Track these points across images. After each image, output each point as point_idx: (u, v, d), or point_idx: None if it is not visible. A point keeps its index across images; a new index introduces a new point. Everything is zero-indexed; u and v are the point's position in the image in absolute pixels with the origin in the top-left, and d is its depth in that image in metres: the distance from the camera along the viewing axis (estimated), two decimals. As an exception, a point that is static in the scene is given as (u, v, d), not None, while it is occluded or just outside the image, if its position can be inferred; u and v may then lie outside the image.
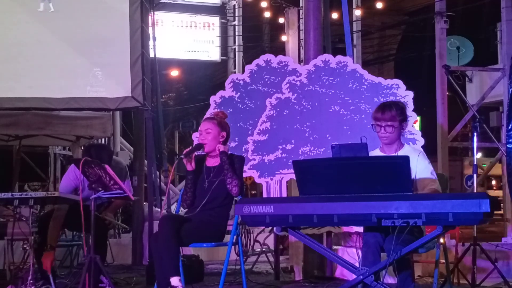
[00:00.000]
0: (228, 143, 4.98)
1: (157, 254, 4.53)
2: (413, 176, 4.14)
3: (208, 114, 6.74)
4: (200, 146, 4.82)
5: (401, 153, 4.40)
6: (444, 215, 3.52)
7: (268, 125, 6.79)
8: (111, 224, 5.56)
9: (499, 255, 6.79)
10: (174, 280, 4.39)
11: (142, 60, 8.35)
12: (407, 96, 6.51)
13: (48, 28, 8.25)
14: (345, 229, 6.38)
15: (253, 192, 17.89)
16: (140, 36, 8.37)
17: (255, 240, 8.38)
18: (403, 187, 3.67)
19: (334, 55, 6.89)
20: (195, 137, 6.70)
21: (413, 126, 6.54)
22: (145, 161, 9.81)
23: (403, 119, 4.45)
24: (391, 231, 3.69)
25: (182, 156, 4.75)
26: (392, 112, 4.41)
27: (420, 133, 6.50)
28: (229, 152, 4.90)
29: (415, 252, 4.24)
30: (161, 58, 11.91)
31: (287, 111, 6.79)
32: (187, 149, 4.82)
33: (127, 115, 12.22)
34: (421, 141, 6.40)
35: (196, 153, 4.83)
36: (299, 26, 11.25)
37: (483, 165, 15.22)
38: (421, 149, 4.58)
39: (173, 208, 8.43)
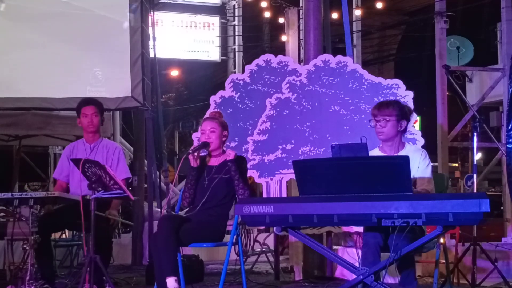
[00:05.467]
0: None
1: (156, 254, 4.54)
2: (413, 175, 4.14)
3: (207, 114, 6.75)
4: (206, 144, 4.84)
5: (402, 152, 4.40)
6: (444, 215, 3.52)
7: (268, 125, 6.79)
8: (115, 222, 5.55)
9: (499, 255, 6.80)
10: (170, 281, 4.39)
11: (142, 60, 8.36)
12: (407, 96, 6.51)
13: (48, 28, 8.26)
14: (345, 229, 6.38)
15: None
16: (140, 36, 8.38)
17: (255, 240, 8.38)
18: (403, 187, 3.67)
19: (334, 55, 6.89)
20: (195, 137, 6.71)
21: (413, 126, 6.54)
22: (145, 161, 9.81)
23: (401, 117, 4.42)
24: (391, 231, 3.69)
25: (190, 152, 4.78)
26: (390, 108, 4.42)
27: (420, 133, 6.50)
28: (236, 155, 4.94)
29: (419, 252, 4.24)
30: (161, 58, 11.91)
31: (287, 111, 6.79)
32: (195, 146, 4.88)
33: (127, 115, 12.22)
34: (421, 141, 6.40)
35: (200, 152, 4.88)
36: (299, 26, 11.25)
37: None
38: (423, 149, 4.57)
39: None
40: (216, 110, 6.59)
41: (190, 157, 4.79)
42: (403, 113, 4.45)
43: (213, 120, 4.92)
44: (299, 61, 10.33)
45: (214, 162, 4.91)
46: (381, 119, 4.39)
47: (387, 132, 4.41)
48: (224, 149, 4.97)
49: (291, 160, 6.09)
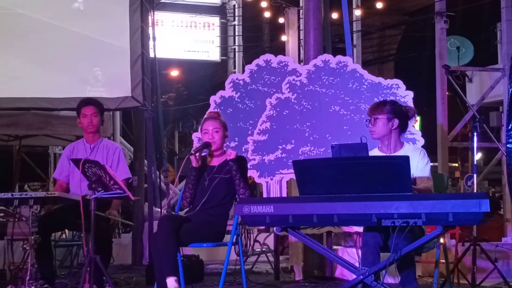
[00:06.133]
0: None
1: (156, 254, 4.54)
2: (412, 173, 4.15)
3: (207, 114, 6.75)
4: (208, 144, 4.84)
5: (401, 152, 4.41)
6: (444, 215, 3.52)
7: (268, 125, 6.79)
8: (115, 223, 5.55)
9: (499, 255, 6.79)
10: (170, 281, 4.39)
11: (142, 60, 8.36)
12: (407, 96, 6.52)
13: (48, 28, 8.26)
14: (345, 229, 6.38)
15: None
16: (140, 36, 8.38)
17: (255, 240, 8.38)
18: (403, 187, 3.67)
19: (334, 55, 6.89)
20: (196, 137, 6.71)
21: (413, 126, 6.54)
22: (145, 161, 9.81)
23: (393, 116, 4.42)
24: (391, 231, 3.69)
25: (193, 152, 4.77)
26: (380, 107, 4.46)
27: (420, 133, 6.51)
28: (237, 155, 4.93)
29: (418, 252, 4.24)
30: (161, 58, 11.90)
31: (287, 111, 6.79)
32: (197, 146, 4.87)
33: (127, 115, 12.21)
34: (421, 141, 6.41)
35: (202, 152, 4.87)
36: (299, 26, 11.25)
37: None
38: (422, 148, 4.59)
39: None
40: (216, 110, 6.59)
41: (192, 157, 4.79)
42: (395, 113, 4.45)
43: (216, 120, 4.92)
44: (299, 61, 10.32)
45: (215, 162, 4.91)
46: (371, 118, 4.44)
47: (378, 131, 4.44)
48: (225, 149, 4.98)
49: (291, 160, 6.09)
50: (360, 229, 5.70)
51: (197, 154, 4.80)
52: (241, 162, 4.84)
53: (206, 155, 4.94)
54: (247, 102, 6.88)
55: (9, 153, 12.38)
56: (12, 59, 8.19)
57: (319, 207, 3.77)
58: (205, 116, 5.13)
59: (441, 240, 4.67)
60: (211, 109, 6.78)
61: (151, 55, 9.27)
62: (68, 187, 5.66)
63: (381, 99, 6.23)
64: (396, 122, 4.44)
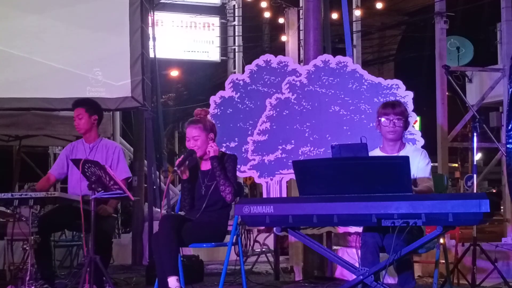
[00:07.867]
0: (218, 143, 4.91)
1: (157, 254, 4.54)
2: (413, 174, 4.16)
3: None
4: (192, 152, 4.79)
5: (403, 153, 4.42)
6: (444, 215, 3.53)
7: (268, 125, 6.79)
8: (109, 214, 5.43)
9: (499, 255, 6.79)
10: (172, 280, 4.39)
11: (142, 60, 8.36)
12: (407, 96, 6.51)
13: (48, 28, 8.26)
14: (342, 229, 6.36)
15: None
16: (140, 36, 8.38)
17: (255, 240, 8.38)
18: (403, 187, 3.68)
19: (334, 55, 6.89)
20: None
21: (413, 126, 6.54)
22: (145, 161, 9.81)
23: (408, 117, 4.54)
24: (391, 231, 3.70)
25: (176, 169, 4.71)
26: (401, 107, 4.52)
27: (420, 133, 6.50)
28: (220, 151, 4.86)
29: (415, 252, 4.24)
30: (161, 58, 11.91)
31: (287, 111, 6.79)
32: (179, 159, 4.76)
33: (127, 115, 12.21)
34: (421, 141, 6.40)
35: (188, 161, 4.79)
36: (299, 26, 11.25)
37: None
38: (423, 149, 4.61)
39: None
40: (203, 108, 6.50)
41: (179, 171, 4.74)
42: (408, 113, 4.58)
43: (196, 126, 4.82)
44: (299, 61, 10.32)
45: (206, 166, 4.87)
46: (395, 118, 4.43)
47: (400, 131, 4.48)
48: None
49: (291, 160, 6.09)
50: (358, 229, 5.70)
51: (182, 168, 4.74)
52: (221, 157, 4.79)
53: (196, 161, 4.87)
54: (247, 102, 6.88)
55: (9, 153, 12.38)
56: (12, 59, 8.19)
57: (319, 207, 3.77)
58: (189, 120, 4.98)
59: (441, 240, 4.67)
60: (210, 109, 6.76)
61: (151, 55, 9.27)
62: (54, 182, 5.72)
63: (381, 99, 6.26)
64: (408, 124, 4.55)
